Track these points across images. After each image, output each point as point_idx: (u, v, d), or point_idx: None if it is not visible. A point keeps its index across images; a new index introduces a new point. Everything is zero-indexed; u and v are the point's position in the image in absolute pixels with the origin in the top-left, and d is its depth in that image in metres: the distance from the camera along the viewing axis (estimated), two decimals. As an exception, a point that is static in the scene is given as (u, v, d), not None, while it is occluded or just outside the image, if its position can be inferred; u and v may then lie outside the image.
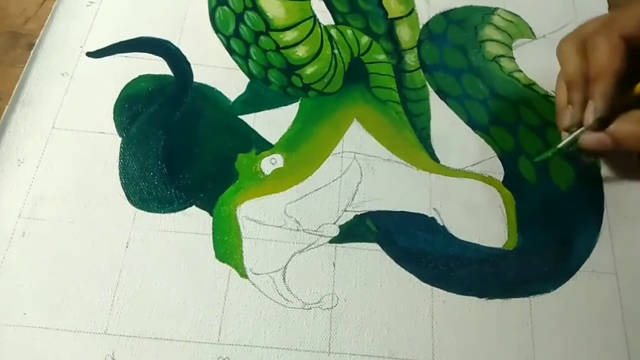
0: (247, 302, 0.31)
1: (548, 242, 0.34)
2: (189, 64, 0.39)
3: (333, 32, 0.41)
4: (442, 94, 0.39)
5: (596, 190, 0.36)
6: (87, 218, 0.33)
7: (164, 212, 0.34)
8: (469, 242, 0.34)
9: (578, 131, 0.32)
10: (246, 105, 0.38)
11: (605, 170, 0.37)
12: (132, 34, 0.40)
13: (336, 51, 0.40)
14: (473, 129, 0.38)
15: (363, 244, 0.34)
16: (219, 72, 0.39)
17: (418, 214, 0.35)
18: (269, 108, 0.38)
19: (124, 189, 0.34)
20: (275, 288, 0.32)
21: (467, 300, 0.32)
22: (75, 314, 0.31)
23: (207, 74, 0.39)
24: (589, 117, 0.30)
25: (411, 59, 0.40)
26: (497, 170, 0.37)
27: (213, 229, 0.33)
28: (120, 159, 0.35)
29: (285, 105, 0.38)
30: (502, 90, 0.39)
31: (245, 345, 0.30)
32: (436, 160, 0.37)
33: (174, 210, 0.34)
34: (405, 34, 0.41)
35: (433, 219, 0.35)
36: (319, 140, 0.37)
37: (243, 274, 0.32)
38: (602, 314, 0.33)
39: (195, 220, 0.34)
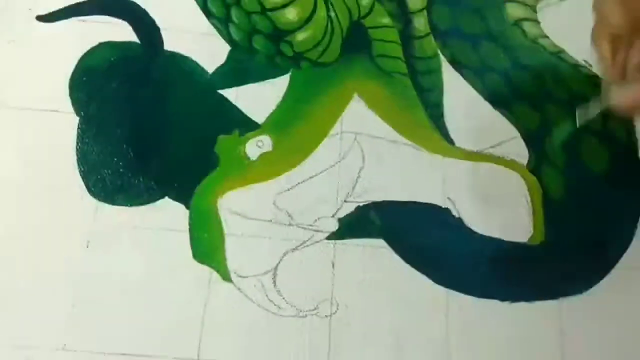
0: (231, 311, 0.29)
1: (579, 236, 0.32)
2: (158, 28, 0.36)
3: (329, -10, 0.38)
4: (457, 65, 0.36)
5: (634, 174, 0.33)
6: (39, 212, 0.31)
7: (131, 205, 0.31)
8: (489, 237, 0.32)
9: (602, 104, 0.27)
10: (227, 78, 0.35)
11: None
12: (88, -7, 0.36)
13: (332, 14, 0.36)
14: (493, 105, 0.35)
15: (366, 240, 0.31)
16: (194, 38, 0.35)
17: (430, 204, 0.32)
18: (254, 81, 0.35)
19: (83, 178, 0.32)
20: (265, 293, 0.29)
21: (487, 305, 0.30)
22: (28, 328, 0.28)
23: (180, 40, 0.35)
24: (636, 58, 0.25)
25: (420, 23, 0.37)
26: (520, 152, 0.34)
27: (190, 224, 0.31)
28: (78, 143, 0.32)
29: (274, 78, 0.35)
30: (526, 60, 0.36)
31: (229, 362, 0.28)
32: (450, 141, 0.34)
33: (143, 203, 0.31)
34: (413, -6, 0.38)
35: (447, 210, 0.32)
36: (314, 119, 0.34)
37: (226, 277, 0.30)
38: (641, 316, 0.30)
39: (168, 215, 0.31)
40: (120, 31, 0.35)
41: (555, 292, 0.30)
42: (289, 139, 0.33)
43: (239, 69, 0.35)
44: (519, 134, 0.34)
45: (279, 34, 0.35)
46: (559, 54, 0.36)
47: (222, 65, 0.35)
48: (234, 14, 0.35)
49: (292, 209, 0.31)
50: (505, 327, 0.29)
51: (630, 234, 0.32)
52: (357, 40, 0.36)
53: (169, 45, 0.35)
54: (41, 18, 0.35)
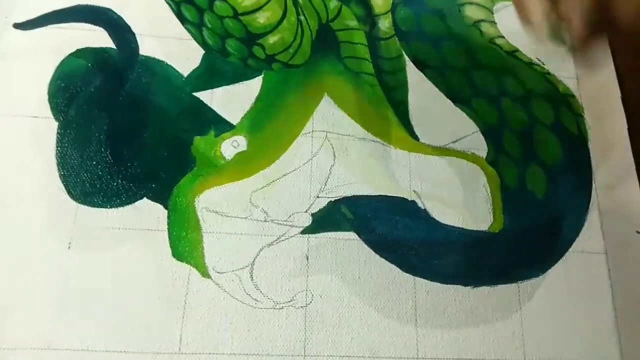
0: (210, 305, 0.27)
1: (535, 223, 0.30)
2: (133, 34, 0.32)
3: (298, -5, 0.34)
4: (420, 64, 0.33)
5: (584, 165, 0.32)
6: (22, 216, 0.27)
7: (111, 207, 0.28)
8: (453, 226, 0.30)
9: None
10: (202, 81, 0.32)
11: (594, 144, 0.32)
12: (67, 1, 0.32)
13: (302, 17, 0.34)
14: (454, 102, 0.33)
15: (338, 233, 0.29)
16: (169, 43, 0.32)
17: (397, 197, 0.30)
18: (228, 83, 0.32)
19: (63, 182, 0.29)
20: (242, 287, 0.27)
21: (452, 290, 0.28)
22: (14, 328, 0.25)
23: (155, 45, 0.32)
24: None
25: (385, 25, 0.34)
26: (480, 146, 0.32)
27: (168, 223, 0.28)
28: (57, 147, 0.29)
29: (247, 79, 0.32)
30: (484, 59, 0.34)
31: (210, 354, 0.26)
32: (415, 137, 0.32)
33: (122, 204, 0.29)
34: (378, -3, 0.35)
35: (413, 202, 0.30)
36: (286, 119, 0.31)
37: (205, 274, 0.28)
38: (592, 295, 0.29)
39: (147, 215, 0.28)
40: (97, 37, 0.32)
41: (514, 275, 0.29)
42: (262, 138, 0.30)
43: (213, 72, 0.32)
44: (478, 129, 0.32)
45: (251, 38, 0.32)
46: (514, 52, 0.34)
47: (197, 69, 0.32)
48: (207, 19, 0.32)
49: (267, 206, 0.29)
50: (469, 310, 0.28)
51: (581, 219, 0.30)
52: (325, 43, 0.33)
53: (145, 50, 0.32)
54: (18, 26, 0.31)
